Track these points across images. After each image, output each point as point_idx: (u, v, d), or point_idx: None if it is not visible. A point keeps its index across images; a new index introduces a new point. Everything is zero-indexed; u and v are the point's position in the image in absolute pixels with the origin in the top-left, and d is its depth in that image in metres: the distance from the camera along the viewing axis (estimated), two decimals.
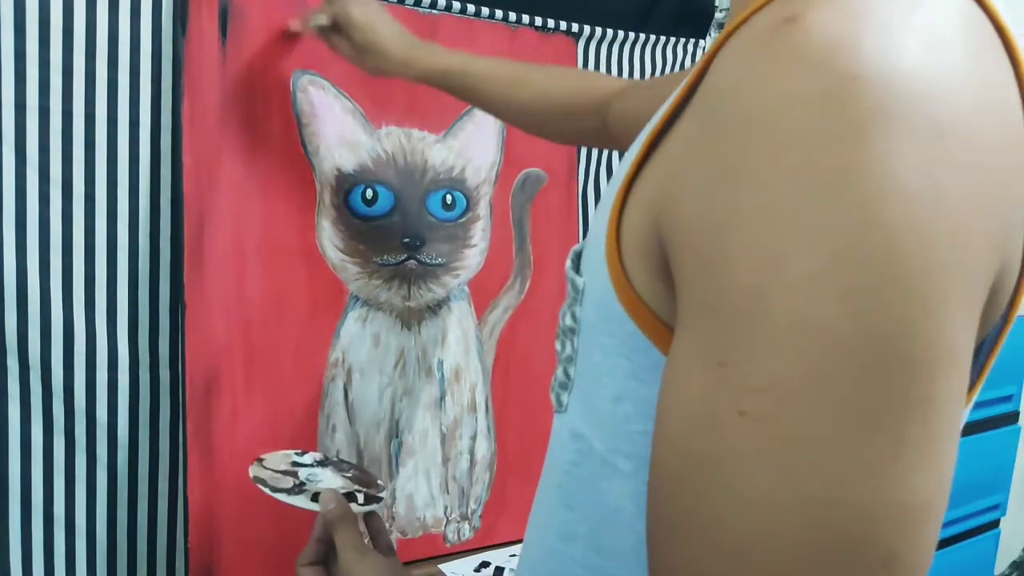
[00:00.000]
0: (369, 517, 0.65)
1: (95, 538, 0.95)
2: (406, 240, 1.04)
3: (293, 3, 0.96)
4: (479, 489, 1.12)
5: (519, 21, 1.12)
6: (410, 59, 0.86)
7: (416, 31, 1.04)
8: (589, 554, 0.44)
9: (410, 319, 1.05)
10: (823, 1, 0.30)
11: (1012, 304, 0.34)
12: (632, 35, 1.24)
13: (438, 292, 1.07)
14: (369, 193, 1.01)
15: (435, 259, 1.06)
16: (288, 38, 0.95)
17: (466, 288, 1.10)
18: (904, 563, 0.28)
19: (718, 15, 1.38)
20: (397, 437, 1.05)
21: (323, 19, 0.88)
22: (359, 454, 1.02)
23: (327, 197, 0.99)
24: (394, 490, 1.05)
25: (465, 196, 1.09)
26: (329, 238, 0.99)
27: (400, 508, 1.05)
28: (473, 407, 1.11)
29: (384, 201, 1.02)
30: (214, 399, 0.92)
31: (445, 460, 1.09)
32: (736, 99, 0.31)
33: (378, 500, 0.65)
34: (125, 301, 0.93)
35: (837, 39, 0.28)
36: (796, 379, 0.28)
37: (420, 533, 1.07)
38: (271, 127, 0.95)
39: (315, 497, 0.63)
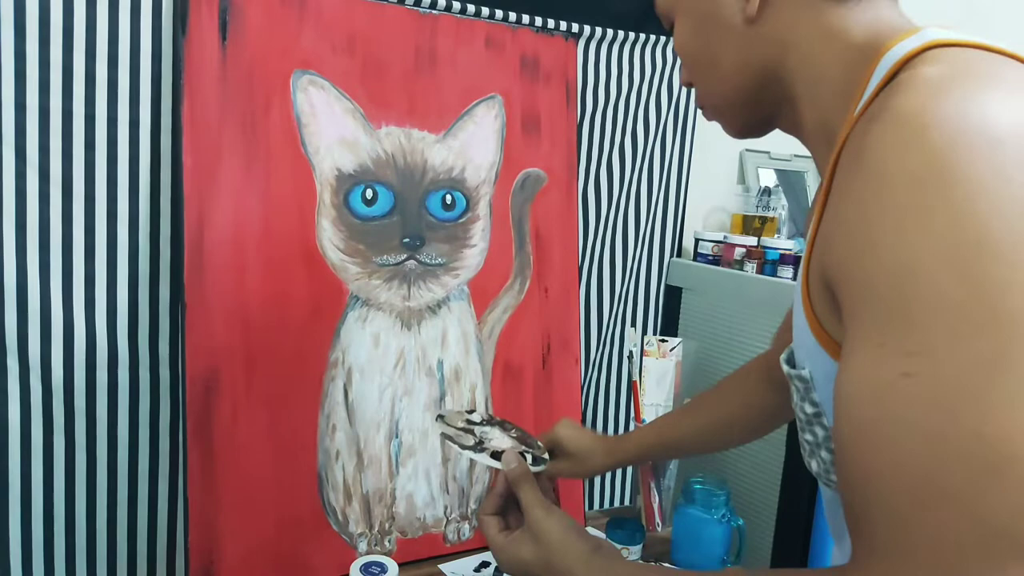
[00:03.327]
0: (537, 476, 0.69)
1: (95, 538, 0.95)
2: (406, 240, 1.04)
3: (293, 3, 0.96)
4: (479, 489, 1.12)
5: (519, 21, 1.12)
6: (613, 455, 0.95)
7: (416, 31, 1.04)
8: None
9: (410, 319, 1.05)
10: (892, 105, 0.42)
11: None
12: (632, 35, 1.24)
13: (438, 292, 1.07)
14: (369, 193, 1.01)
15: (435, 259, 1.07)
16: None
17: (466, 288, 1.10)
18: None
19: None
20: (397, 437, 1.05)
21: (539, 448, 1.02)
22: (359, 454, 1.02)
23: (327, 197, 0.99)
24: (394, 490, 1.05)
25: (465, 196, 1.09)
26: (329, 238, 0.99)
27: (400, 508, 1.05)
28: (473, 407, 1.11)
29: (384, 201, 1.02)
30: (214, 399, 0.92)
31: (445, 460, 1.09)
32: (857, 171, 0.43)
33: (544, 461, 0.71)
34: (125, 301, 0.93)
35: (918, 120, 0.40)
36: (942, 341, 0.38)
37: (420, 533, 1.07)
38: (271, 127, 0.95)
39: (494, 455, 0.69)
